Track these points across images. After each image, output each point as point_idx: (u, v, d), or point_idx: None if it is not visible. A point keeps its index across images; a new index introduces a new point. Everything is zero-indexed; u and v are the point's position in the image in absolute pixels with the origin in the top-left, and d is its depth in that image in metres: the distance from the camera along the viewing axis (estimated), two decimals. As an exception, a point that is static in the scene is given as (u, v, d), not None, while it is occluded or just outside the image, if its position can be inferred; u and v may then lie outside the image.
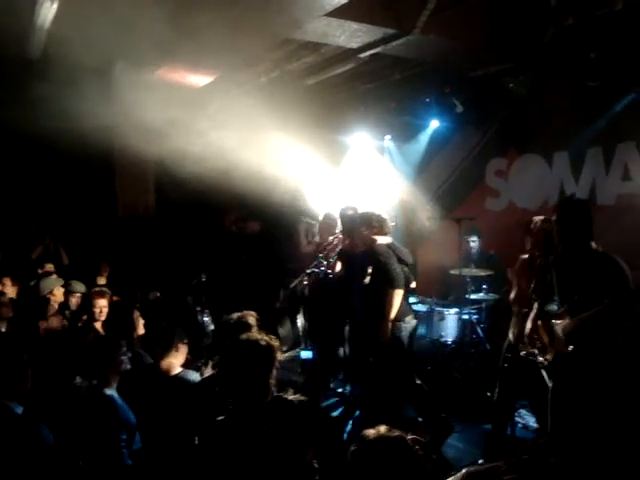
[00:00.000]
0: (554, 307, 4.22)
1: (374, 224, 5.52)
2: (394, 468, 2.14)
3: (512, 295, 4.91)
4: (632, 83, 5.78)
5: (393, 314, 5.21)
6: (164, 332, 4.29)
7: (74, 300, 6.34)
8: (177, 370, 4.08)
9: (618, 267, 3.92)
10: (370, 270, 5.45)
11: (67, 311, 6.22)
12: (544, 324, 4.22)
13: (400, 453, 2.18)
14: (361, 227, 5.58)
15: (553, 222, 4.28)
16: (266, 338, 2.93)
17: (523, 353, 4.37)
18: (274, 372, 2.88)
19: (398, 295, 5.25)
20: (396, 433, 2.25)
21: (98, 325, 5.38)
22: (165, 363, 4.05)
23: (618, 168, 6.36)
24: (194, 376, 4.04)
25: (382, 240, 5.47)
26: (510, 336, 4.86)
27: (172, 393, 3.85)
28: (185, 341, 4.19)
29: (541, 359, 4.10)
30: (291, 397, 2.52)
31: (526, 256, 4.91)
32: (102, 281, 7.51)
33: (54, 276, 6.90)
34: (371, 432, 2.25)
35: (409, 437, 2.28)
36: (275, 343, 2.95)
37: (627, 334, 3.91)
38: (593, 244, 4.05)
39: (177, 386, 3.93)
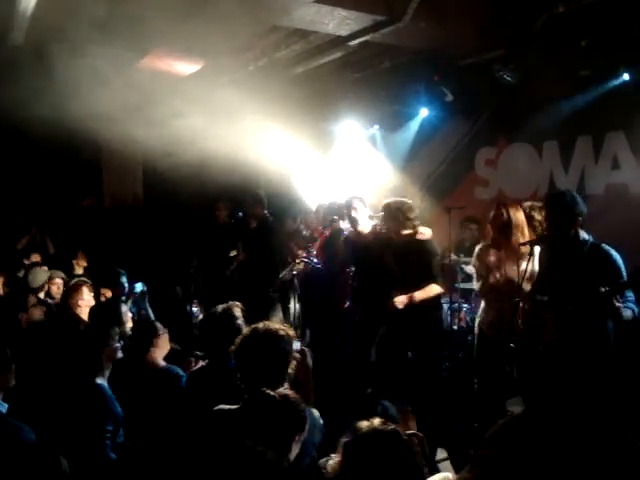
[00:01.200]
0: (544, 297, 4.22)
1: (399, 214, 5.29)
2: (386, 463, 2.10)
3: (478, 285, 4.94)
4: (623, 73, 5.75)
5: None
6: (140, 327, 4.26)
7: (54, 288, 6.30)
8: (161, 364, 4.06)
9: (611, 257, 3.93)
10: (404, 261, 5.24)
11: (50, 300, 6.17)
12: (534, 314, 4.23)
13: (394, 448, 2.15)
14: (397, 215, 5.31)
15: (542, 214, 4.32)
16: (284, 328, 2.94)
17: (512, 345, 4.36)
18: (292, 361, 2.89)
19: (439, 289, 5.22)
20: (391, 427, 2.22)
21: (83, 316, 5.32)
22: (147, 357, 4.03)
23: (607, 157, 6.35)
24: (178, 370, 4.02)
25: (425, 231, 5.32)
26: (478, 326, 4.89)
27: (156, 387, 3.83)
28: (160, 333, 4.16)
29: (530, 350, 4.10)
30: (273, 392, 2.49)
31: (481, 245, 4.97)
32: (79, 270, 7.42)
33: (44, 268, 6.84)
34: (365, 424, 2.22)
35: (409, 432, 2.27)
36: (291, 332, 2.95)
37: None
38: (584, 234, 4.07)
39: (161, 380, 3.90)
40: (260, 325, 2.94)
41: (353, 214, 5.81)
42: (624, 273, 3.94)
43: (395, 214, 5.28)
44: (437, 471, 2.52)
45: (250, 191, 7.61)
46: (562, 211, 4.06)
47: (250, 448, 2.02)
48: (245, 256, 7.31)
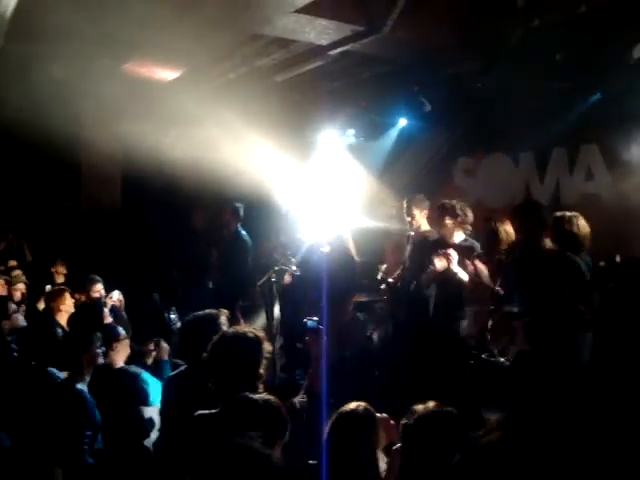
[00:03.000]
0: (514, 307, 4.30)
1: (458, 213, 5.39)
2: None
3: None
4: (596, 86, 5.88)
5: None
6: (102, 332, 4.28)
7: (17, 294, 6.24)
8: (119, 365, 4.13)
9: (574, 264, 4.01)
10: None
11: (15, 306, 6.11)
12: (505, 323, 4.30)
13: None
14: (445, 217, 5.42)
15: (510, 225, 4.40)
16: (253, 330, 2.98)
17: (484, 356, 4.42)
18: (264, 362, 2.92)
19: None
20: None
21: (63, 322, 5.29)
22: (108, 360, 4.08)
23: (581, 169, 6.47)
24: (135, 369, 4.09)
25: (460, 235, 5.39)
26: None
27: (116, 386, 3.87)
28: (121, 338, 4.19)
29: (502, 360, 4.17)
30: (256, 396, 2.51)
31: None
32: (60, 279, 7.34)
33: (18, 272, 6.79)
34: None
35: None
36: (261, 334, 2.99)
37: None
38: (549, 243, 4.15)
39: (121, 379, 3.96)
40: (230, 330, 3.00)
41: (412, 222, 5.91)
42: (584, 281, 4.00)
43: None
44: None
45: (228, 199, 7.63)
46: (531, 221, 4.14)
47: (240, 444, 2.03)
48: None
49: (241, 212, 7.47)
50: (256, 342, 2.92)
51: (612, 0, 5.04)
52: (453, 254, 5.09)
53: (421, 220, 5.91)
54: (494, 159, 7.38)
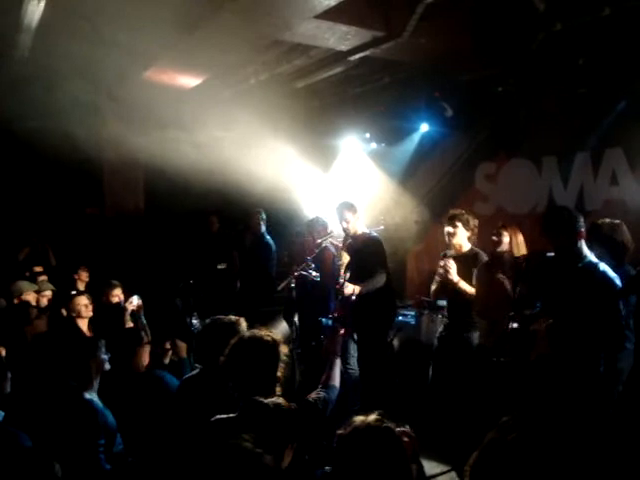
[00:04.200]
0: (533, 312, 4.24)
1: (471, 226, 5.34)
2: (376, 459, 2.12)
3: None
4: (621, 90, 5.80)
5: None
6: (124, 336, 4.30)
7: (44, 300, 6.30)
8: (143, 369, 4.17)
9: (605, 279, 3.86)
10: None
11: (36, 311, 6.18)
12: (524, 327, 4.25)
13: (386, 445, 2.16)
14: (457, 226, 5.33)
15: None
16: (270, 334, 3.02)
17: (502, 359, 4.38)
18: (281, 365, 2.95)
19: None
20: (386, 424, 2.22)
21: (84, 327, 5.35)
22: (132, 365, 4.12)
23: (606, 174, 6.38)
24: (158, 372, 4.14)
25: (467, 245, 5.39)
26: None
27: (142, 391, 3.89)
28: (143, 343, 4.23)
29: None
30: (267, 400, 2.51)
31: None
32: (81, 286, 7.41)
33: (44, 277, 6.88)
34: (360, 419, 2.24)
35: (401, 430, 2.27)
36: (278, 337, 3.03)
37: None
38: (584, 249, 4.01)
39: (146, 384, 3.99)
40: (246, 333, 3.03)
41: (344, 225, 5.88)
42: (615, 296, 3.87)
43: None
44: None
45: (250, 205, 7.70)
46: (562, 228, 4.03)
47: (248, 450, 2.03)
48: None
49: (263, 216, 7.59)
50: (273, 345, 2.96)
51: (636, 3, 4.95)
52: (451, 265, 5.12)
53: (356, 225, 5.86)
54: (516, 164, 7.32)
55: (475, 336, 5.23)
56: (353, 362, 5.92)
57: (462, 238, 5.31)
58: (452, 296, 5.32)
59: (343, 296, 5.50)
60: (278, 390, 2.88)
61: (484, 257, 5.25)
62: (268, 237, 7.74)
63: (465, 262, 5.21)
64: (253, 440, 2.00)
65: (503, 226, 5.35)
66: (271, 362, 2.91)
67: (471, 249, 5.35)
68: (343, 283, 5.54)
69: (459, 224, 5.28)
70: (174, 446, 3.14)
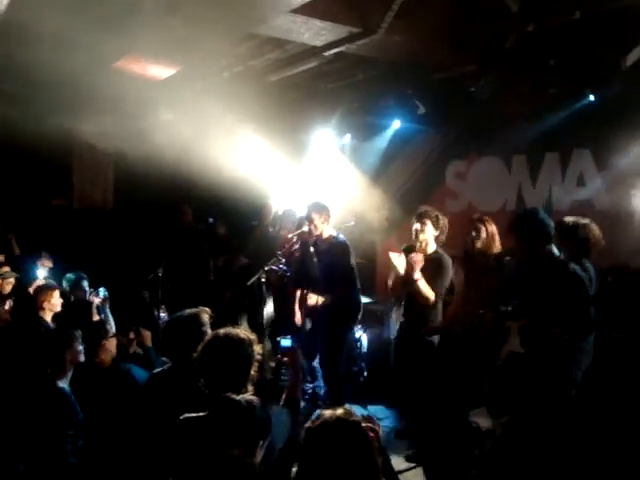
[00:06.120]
0: (508, 308, 4.29)
1: (440, 225, 5.24)
2: (344, 452, 2.15)
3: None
4: (589, 92, 5.89)
5: None
6: (90, 329, 4.25)
7: (8, 287, 6.20)
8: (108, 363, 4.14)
9: (575, 277, 3.94)
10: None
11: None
12: (498, 325, 4.30)
13: (353, 438, 2.19)
14: (426, 224, 5.24)
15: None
16: (244, 332, 3.01)
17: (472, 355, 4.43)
18: (255, 364, 2.95)
19: None
20: (354, 418, 2.26)
21: (48, 318, 5.26)
22: (97, 358, 4.07)
23: (573, 174, 6.50)
24: (125, 366, 4.11)
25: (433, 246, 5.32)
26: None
27: (108, 385, 3.86)
28: (109, 336, 4.18)
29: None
30: (239, 397, 2.51)
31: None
32: (43, 273, 7.26)
33: (6, 268, 6.73)
34: (328, 412, 2.27)
35: (366, 424, 2.30)
36: (252, 336, 3.01)
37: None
38: (554, 250, 4.09)
39: (112, 378, 3.96)
40: (221, 330, 2.99)
41: (308, 225, 5.83)
42: (585, 293, 3.97)
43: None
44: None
45: (220, 197, 7.66)
46: (532, 231, 4.09)
47: (221, 452, 2.02)
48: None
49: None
50: (248, 344, 2.95)
51: (606, 8, 5.04)
52: (418, 259, 4.99)
53: (321, 226, 5.78)
54: (486, 162, 7.41)
55: (435, 337, 5.22)
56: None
57: (429, 236, 5.22)
58: (410, 294, 5.22)
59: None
60: (250, 389, 2.87)
61: (448, 261, 5.18)
62: None
63: (427, 264, 5.08)
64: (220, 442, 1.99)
65: (480, 220, 5.22)
66: (245, 360, 2.90)
67: (435, 251, 5.24)
68: (307, 293, 5.49)
69: (428, 222, 5.20)
70: (142, 445, 3.10)
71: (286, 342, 2.91)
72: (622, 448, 4.10)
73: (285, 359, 3.10)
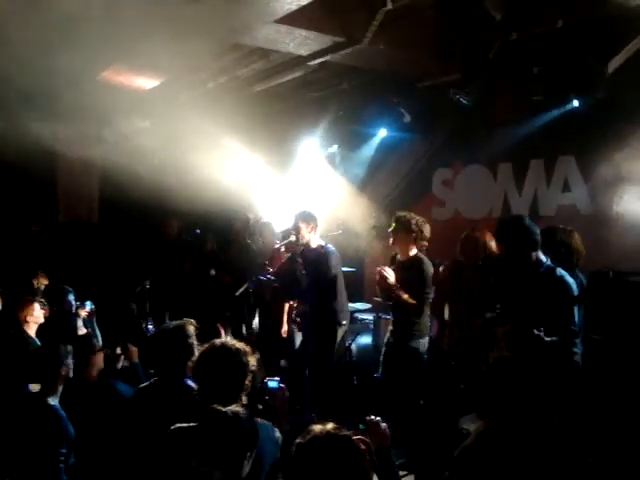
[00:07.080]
0: (494, 315, 4.30)
1: (413, 228, 5.16)
2: (336, 468, 2.12)
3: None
4: (573, 99, 5.94)
5: None
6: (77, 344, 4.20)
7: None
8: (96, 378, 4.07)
9: (563, 282, 3.96)
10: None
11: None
12: (484, 330, 4.31)
13: (345, 453, 2.16)
14: (398, 231, 5.19)
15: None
16: (240, 343, 3.02)
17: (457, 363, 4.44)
18: (249, 376, 2.95)
19: None
20: (344, 432, 2.23)
21: (32, 332, 5.19)
22: (85, 374, 4.01)
23: (558, 180, 6.54)
24: (112, 381, 4.05)
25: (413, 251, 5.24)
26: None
27: (96, 400, 3.81)
28: (96, 350, 4.15)
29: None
30: (226, 409, 2.48)
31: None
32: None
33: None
34: (318, 427, 2.23)
35: (357, 438, 2.28)
36: (247, 347, 3.01)
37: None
38: (542, 256, 4.10)
39: (100, 393, 3.90)
40: (217, 341, 3.01)
41: (295, 235, 5.81)
42: (573, 299, 3.98)
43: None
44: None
45: (206, 210, 7.63)
46: (518, 238, 4.09)
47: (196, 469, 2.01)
48: (230, 279, 7.28)
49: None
50: (244, 355, 2.96)
51: (588, 16, 5.10)
52: (387, 272, 4.99)
53: (308, 235, 5.77)
54: (472, 170, 7.43)
55: (422, 343, 5.17)
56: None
57: (401, 242, 5.17)
58: (396, 304, 5.21)
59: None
60: (244, 400, 2.85)
61: (427, 264, 5.14)
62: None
63: (404, 269, 5.09)
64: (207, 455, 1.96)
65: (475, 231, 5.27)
66: (240, 370, 2.90)
67: (415, 255, 5.18)
68: (295, 305, 5.52)
69: (398, 227, 5.16)
70: (131, 458, 3.06)
71: (273, 383, 2.90)
72: (605, 449, 4.10)
73: (272, 402, 3.05)
